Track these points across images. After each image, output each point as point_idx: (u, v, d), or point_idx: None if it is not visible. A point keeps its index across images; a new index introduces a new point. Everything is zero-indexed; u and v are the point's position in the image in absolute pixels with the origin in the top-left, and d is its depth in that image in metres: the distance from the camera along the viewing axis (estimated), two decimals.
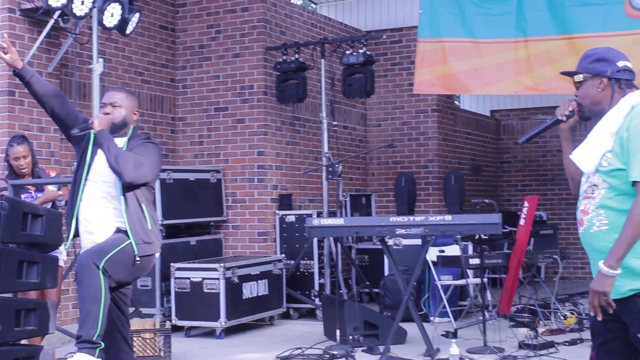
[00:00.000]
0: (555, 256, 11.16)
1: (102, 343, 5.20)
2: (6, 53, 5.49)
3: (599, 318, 4.02)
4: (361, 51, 11.82)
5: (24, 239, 6.09)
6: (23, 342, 6.26)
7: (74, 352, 5.17)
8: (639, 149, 4.05)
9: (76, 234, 5.60)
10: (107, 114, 5.60)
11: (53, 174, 8.13)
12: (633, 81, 4.39)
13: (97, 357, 5.12)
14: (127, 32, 9.78)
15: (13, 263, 5.90)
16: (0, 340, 5.73)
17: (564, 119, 4.48)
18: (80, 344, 5.13)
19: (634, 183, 4.05)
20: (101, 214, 5.51)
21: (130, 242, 5.35)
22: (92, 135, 5.61)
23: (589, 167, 4.30)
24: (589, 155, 4.32)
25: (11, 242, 5.97)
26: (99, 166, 5.55)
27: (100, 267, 5.18)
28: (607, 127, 4.26)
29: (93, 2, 9.04)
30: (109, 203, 5.50)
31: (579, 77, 4.49)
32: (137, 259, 5.39)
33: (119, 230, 5.44)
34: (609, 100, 4.32)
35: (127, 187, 5.43)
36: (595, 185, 4.27)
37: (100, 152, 5.56)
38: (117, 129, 5.62)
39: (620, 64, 4.40)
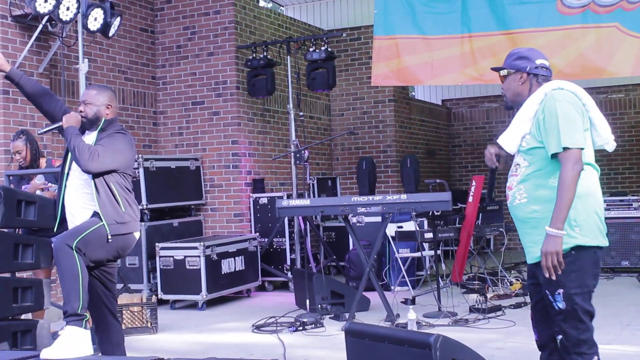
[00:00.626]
0: (501, 229, 11.25)
1: (86, 314, 5.21)
2: None
3: (554, 278, 4.19)
4: (323, 48, 11.84)
5: (19, 223, 6.11)
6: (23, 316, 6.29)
7: (64, 326, 5.19)
8: (554, 127, 4.36)
9: (64, 219, 5.61)
10: (81, 111, 5.61)
11: (57, 164, 8.12)
12: (550, 77, 4.68)
13: (85, 328, 5.14)
14: (110, 34, 9.75)
15: (9, 246, 5.93)
16: (0, 316, 5.76)
17: (496, 165, 4.82)
18: (67, 318, 5.14)
19: (553, 155, 4.33)
20: (79, 199, 5.51)
21: (103, 224, 5.38)
22: None
23: (512, 148, 4.64)
24: (511, 138, 4.64)
25: (7, 226, 5.99)
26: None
27: (73, 247, 5.17)
28: (526, 113, 4.57)
29: (77, 8, 9.02)
30: (85, 189, 5.48)
31: (504, 72, 4.81)
32: (109, 237, 5.39)
33: (95, 214, 5.45)
34: (527, 92, 4.65)
35: (95, 175, 5.42)
36: (518, 164, 4.61)
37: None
38: (91, 123, 5.61)
39: (539, 62, 4.70)
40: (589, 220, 4.40)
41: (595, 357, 4.37)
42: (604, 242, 4.47)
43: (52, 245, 5.39)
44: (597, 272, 4.49)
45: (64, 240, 5.25)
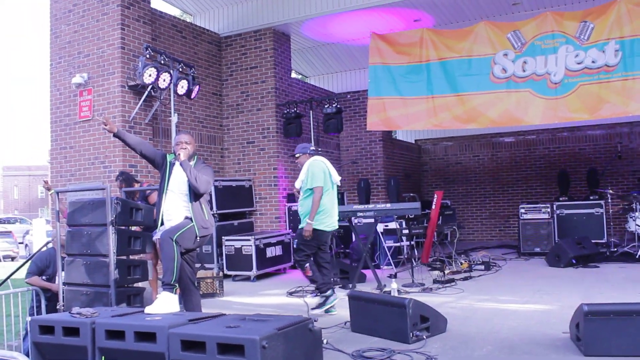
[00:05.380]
0: (454, 227, 11.23)
1: (177, 285, 5.29)
2: (106, 125, 5.56)
3: (308, 238, 6.76)
4: (334, 105, 11.92)
5: (131, 223, 6.18)
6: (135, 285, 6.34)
7: (161, 291, 5.26)
8: (311, 176, 6.76)
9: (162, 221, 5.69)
10: (184, 148, 5.66)
11: (146, 184, 8.27)
12: (317, 152, 7.14)
13: (174, 294, 5.22)
14: (192, 97, 9.88)
15: (125, 238, 6.00)
16: (119, 284, 5.82)
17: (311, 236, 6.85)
18: (164, 286, 5.23)
19: (310, 189, 6.74)
20: (176, 209, 5.59)
21: (194, 225, 5.46)
22: (168, 162, 5.72)
23: (297, 186, 6.97)
24: (298, 182, 6.99)
25: (124, 225, 6.06)
26: (176, 181, 5.64)
27: (174, 239, 5.29)
28: (304, 170, 6.90)
29: (170, 79, 9.14)
30: (182, 203, 5.59)
31: (297, 155, 7.11)
32: (198, 238, 5.53)
33: (186, 218, 5.53)
34: (307, 160, 7.00)
35: (196, 195, 5.54)
36: (298, 192, 7.03)
37: (175, 171, 5.67)
38: (189, 158, 5.72)
39: (311, 148, 7.08)
40: (318, 219, 6.72)
41: (307, 265, 6.71)
42: (323, 228, 6.77)
43: (160, 236, 5.47)
44: (317, 239, 6.76)
45: (168, 234, 5.35)
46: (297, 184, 6.94)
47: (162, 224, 5.63)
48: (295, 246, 7.00)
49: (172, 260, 5.25)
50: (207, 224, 5.63)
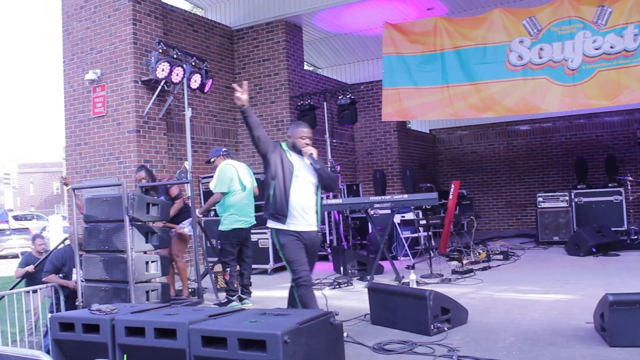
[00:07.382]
0: (472, 217, 11.18)
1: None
2: (243, 94, 4.88)
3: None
4: (348, 96, 11.86)
5: (147, 218, 6.17)
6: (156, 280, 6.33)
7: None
8: (216, 181, 7.13)
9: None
10: (309, 144, 5.15)
11: (165, 179, 8.22)
12: (229, 154, 7.53)
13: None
14: (205, 90, 9.85)
15: (142, 233, 5.99)
16: (137, 280, 5.81)
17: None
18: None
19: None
20: (309, 199, 5.18)
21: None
22: (285, 150, 5.15)
23: (211, 187, 7.19)
24: (211, 184, 7.21)
25: (140, 221, 6.05)
26: (301, 170, 5.12)
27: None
28: (215, 175, 7.20)
29: (183, 74, 9.11)
30: (313, 193, 5.19)
31: (212, 160, 7.47)
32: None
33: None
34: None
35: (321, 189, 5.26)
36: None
37: (297, 160, 5.14)
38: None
39: (223, 150, 7.48)
40: (228, 219, 7.13)
41: (228, 269, 7.12)
42: (240, 226, 7.17)
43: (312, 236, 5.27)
44: (237, 236, 7.17)
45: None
46: (211, 186, 7.24)
47: (289, 212, 5.14)
48: (219, 247, 7.34)
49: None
50: None
